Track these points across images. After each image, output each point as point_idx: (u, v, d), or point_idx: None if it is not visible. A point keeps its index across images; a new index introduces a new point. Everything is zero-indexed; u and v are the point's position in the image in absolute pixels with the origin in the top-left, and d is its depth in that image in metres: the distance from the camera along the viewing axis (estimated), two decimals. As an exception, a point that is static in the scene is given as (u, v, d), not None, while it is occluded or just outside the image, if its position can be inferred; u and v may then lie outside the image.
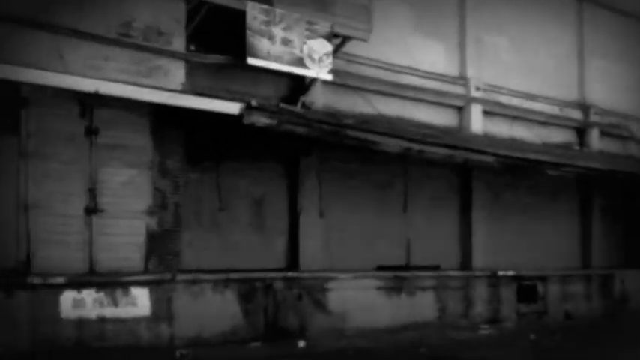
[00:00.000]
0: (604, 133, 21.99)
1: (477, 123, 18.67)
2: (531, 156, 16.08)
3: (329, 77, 14.65)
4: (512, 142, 18.82)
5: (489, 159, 15.19)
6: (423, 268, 16.28)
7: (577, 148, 21.24)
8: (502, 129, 19.48)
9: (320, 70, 14.37)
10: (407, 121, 17.38)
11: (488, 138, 18.31)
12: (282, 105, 13.42)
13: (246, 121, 11.76)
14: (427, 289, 13.67)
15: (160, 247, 12.07)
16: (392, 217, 17.02)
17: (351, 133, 13.02)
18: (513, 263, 18.46)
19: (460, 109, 18.59)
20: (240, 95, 13.83)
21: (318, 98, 15.38)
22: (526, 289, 15.35)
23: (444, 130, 17.90)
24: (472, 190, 18.35)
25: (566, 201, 21.09)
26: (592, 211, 21.21)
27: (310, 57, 14.17)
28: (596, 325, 14.40)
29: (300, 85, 15.09)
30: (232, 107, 11.74)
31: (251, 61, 13.35)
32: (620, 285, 17.02)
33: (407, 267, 16.48)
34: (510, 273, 15.17)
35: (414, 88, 17.46)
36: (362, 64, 16.48)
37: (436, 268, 16.45)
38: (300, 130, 12.44)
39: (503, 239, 18.99)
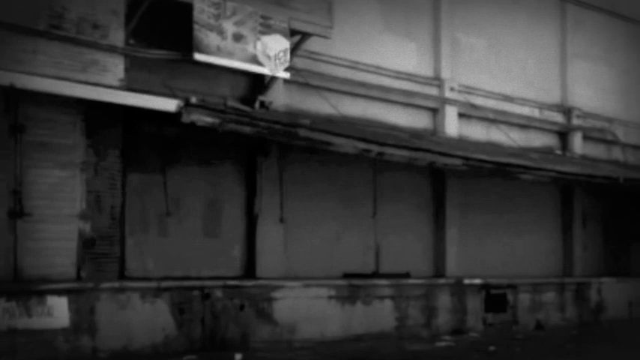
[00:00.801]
0: (587, 137, 21.09)
1: (452, 126, 17.80)
2: (503, 159, 15.19)
3: (286, 76, 13.85)
4: (487, 146, 17.94)
5: (457, 162, 14.33)
6: (392, 275, 15.42)
7: (559, 152, 20.33)
8: (479, 132, 18.60)
9: (276, 68, 13.54)
10: (376, 122, 16.55)
11: (461, 141, 17.43)
12: (230, 103, 12.58)
13: (185, 119, 10.91)
14: (385, 298, 12.78)
15: (96, 253, 11.21)
16: (360, 222, 16.17)
17: (303, 133, 12.16)
18: (490, 271, 17.63)
19: (434, 112, 17.73)
20: (192, 94, 12.99)
21: (278, 98, 14.54)
22: (494, 298, 14.45)
23: (416, 133, 17.04)
24: (446, 195, 17.48)
25: (548, 207, 20.20)
26: (573, 218, 20.29)
27: (265, 54, 13.34)
28: (566, 336, 13.50)
29: (259, 84, 14.28)
30: (169, 105, 10.88)
31: (198, 57, 12.52)
32: (596, 294, 16.10)
33: (375, 274, 15.62)
34: (477, 281, 14.27)
35: (384, 88, 16.62)
36: (327, 62, 15.62)
37: (406, 275, 15.57)
38: (247, 129, 11.60)
39: (479, 246, 18.12)
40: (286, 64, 13.60)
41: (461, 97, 17.91)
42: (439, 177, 17.44)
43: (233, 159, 14.24)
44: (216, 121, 11.18)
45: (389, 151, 13.27)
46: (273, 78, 14.06)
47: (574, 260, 20.11)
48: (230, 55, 12.89)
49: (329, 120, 15.03)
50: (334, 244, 15.59)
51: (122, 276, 12.05)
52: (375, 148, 13.13)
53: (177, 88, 12.79)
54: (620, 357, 11.46)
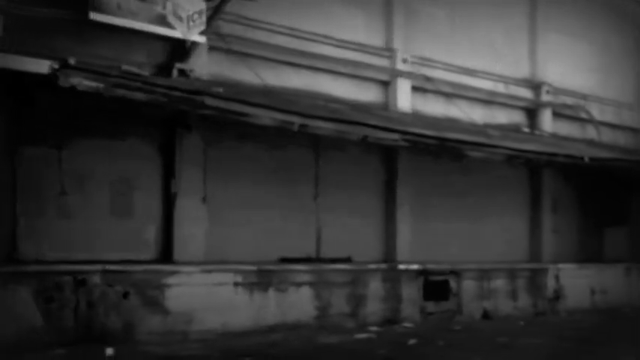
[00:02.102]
0: (559, 115, 19.54)
1: (405, 100, 16.33)
2: (450, 135, 13.72)
3: (202, 40, 12.45)
4: (442, 122, 16.45)
5: (394, 137, 12.88)
6: (336, 260, 14.08)
7: (526, 129, 18.81)
8: (436, 107, 17.11)
9: (190, 32, 12.13)
10: (321, 95, 15.13)
11: (412, 115, 15.96)
12: (125, 67, 11.16)
13: (63, 83, 9.50)
14: (303, 285, 11.37)
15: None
16: (301, 205, 14.76)
17: (210, 102, 10.74)
18: (449, 257, 16.18)
19: (385, 84, 16.26)
20: (102, 60, 11.65)
21: (201, 66, 13.13)
22: (435, 286, 13.03)
23: (364, 107, 15.60)
24: (397, 176, 16.02)
25: (515, 190, 18.70)
26: (541, 201, 18.79)
27: (176, 15, 11.92)
28: (509, 328, 12.09)
29: (180, 50, 12.88)
30: (41, 66, 9.48)
31: (94, 16, 11.13)
32: (553, 281, 14.63)
33: (317, 259, 14.27)
34: (414, 267, 12.84)
35: (329, 59, 15.17)
36: (262, 29, 14.17)
37: (347, 260, 14.21)
38: (139, 95, 10.18)
39: (437, 231, 16.67)
40: (202, 27, 12.21)
41: (415, 70, 16.42)
42: (391, 156, 16.00)
43: (150, 133, 12.86)
44: (101, 85, 9.77)
45: (313, 123, 11.83)
46: (194, 44, 12.68)
47: (542, 246, 18.62)
48: (133, 15, 11.50)
49: (264, 92, 13.61)
50: (270, 227, 14.20)
51: (11, 259, 10.74)
52: (297, 120, 11.69)
53: (88, 54, 11.44)
54: (556, 355, 10.03)
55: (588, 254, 19.44)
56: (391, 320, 12.29)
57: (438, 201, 16.87)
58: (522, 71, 18.89)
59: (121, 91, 9.96)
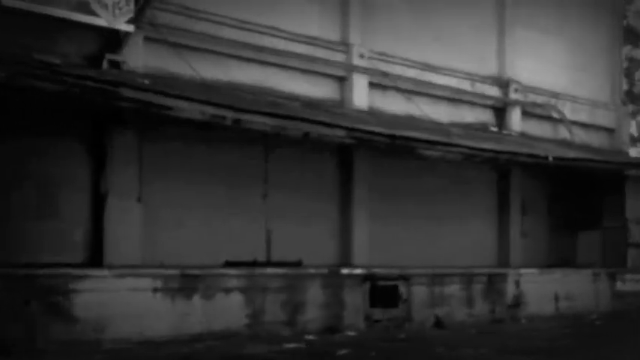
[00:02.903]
0: (529, 114, 18.73)
1: (361, 96, 15.50)
2: (402, 133, 12.90)
3: (130, 29, 11.64)
4: (400, 119, 15.63)
5: (340, 133, 12.08)
6: (285, 264, 13.24)
7: (494, 129, 17.99)
8: (397, 105, 16.28)
9: (116, 20, 11.30)
10: (271, 91, 14.31)
11: (366, 113, 15.13)
12: (37, 56, 10.34)
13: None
14: (233, 291, 10.52)
15: None
16: (248, 205, 13.93)
17: (127, 93, 9.92)
18: (410, 261, 15.37)
19: (341, 80, 15.45)
20: (20, 50, 10.84)
21: (136, 58, 12.33)
22: (383, 291, 12.17)
23: (318, 103, 14.79)
24: (353, 176, 15.19)
25: (482, 192, 17.90)
26: (509, 203, 17.96)
27: (101, 2, 11.10)
28: (462, 337, 11.26)
29: (113, 41, 12.07)
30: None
31: (6, 1, 10.30)
32: (513, 287, 13.78)
33: (265, 263, 13.44)
34: (359, 271, 11.98)
35: (280, 52, 14.35)
36: (206, 20, 13.36)
37: (297, 264, 13.37)
38: (47, 85, 9.35)
39: (397, 234, 15.84)
40: (129, 16, 11.39)
41: (373, 65, 15.60)
42: (347, 156, 15.18)
43: (80, 129, 12.03)
44: (2, 74, 8.93)
45: (248, 117, 11.01)
46: (128, 35, 11.89)
47: (510, 250, 17.81)
48: (54, 2, 10.67)
49: (204, 86, 12.80)
50: (215, 229, 13.37)
51: None
52: (229, 114, 10.87)
53: (9, 42, 10.63)
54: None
55: (560, 259, 18.61)
56: (332, 328, 11.43)
57: (399, 203, 16.05)
58: (490, 68, 18.07)
59: (28, 81, 9.10)
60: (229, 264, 12.79)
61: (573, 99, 19.57)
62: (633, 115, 29.52)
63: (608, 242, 17.88)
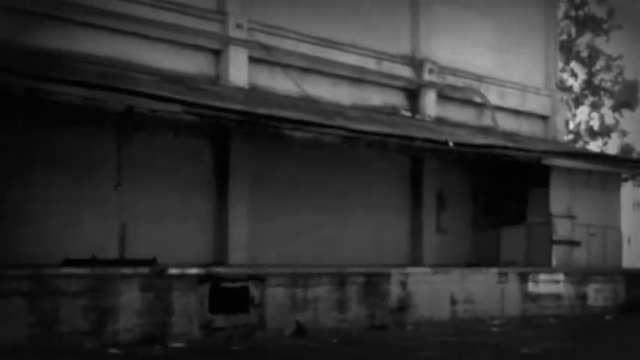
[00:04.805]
0: (449, 98, 16.78)
1: (240, 72, 13.55)
2: (263, 112, 10.91)
3: None
4: (280, 99, 13.64)
5: (174, 108, 10.09)
6: (139, 262, 11.20)
7: (406, 113, 16.01)
8: (287, 84, 14.29)
9: None
10: (131, 64, 12.38)
11: (236, 90, 13.14)
12: None
13: None
14: (12, 296, 8.51)
15: None
16: (99, 195, 11.93)
17: None
18: (299, 258, 13.44)
19: (216, 54, 13.48)
20: None
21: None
22: (230, 295, 10.15)
23: (189, 79, 12.83)
24: (229, 163, 13.23)
25: (393, 182, 15.93)
26: (422, 195, 15.99)
27: None
28: (316, 347, 9.30)
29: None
30: None
31: None
32: (399, 288, 11.78)
33: (117, 261, 11.40)
34: (194, 271, 9.95)
35: (142, 21, 12.41)
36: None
37: (152, 262, 11.33)
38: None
39: (288, 230, 13.91)
40: None
41: (254, 38, 13.63)
42: (222, 141, 13.24)
43: None
44: None
45: (46, 87, 8.99)
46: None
47: (424, 247, 15.87)
48: None
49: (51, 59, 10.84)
50: (55, 223, 11.40)
51: None
52: (22, 82, 8.86)
53: None
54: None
55: (482, 256, 16.65)
56: (156, 338, 9.41)
57: (292, 196, 14.11)
58: (401, 47, 16.12)
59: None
60: (70, 262, 10.76)
61: (500, 83, 17.61)
62: (595, 107, 27.60)
63: (532, 239, 15.89)
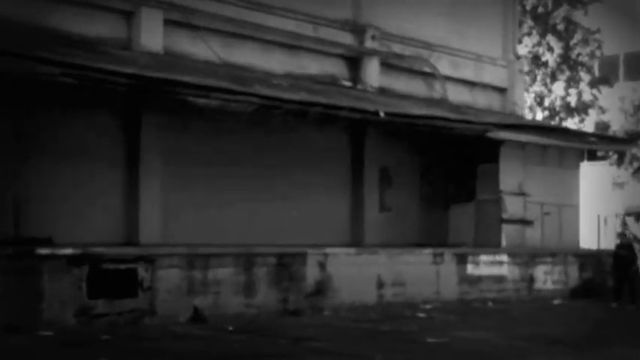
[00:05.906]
0: (395, 67, 15.63)
1: (153, 37, 12.43)
2: (158, 75, 9.75)
3: None
4: (203, 65, 12.50)
5: (54, 70, 8.93)
6: (30, 241, 10.13)
7: (346, 83, 14.87)
8: (208, 51, 13.12)
9: None
10: (40, 28, 11.21)
11: (149, 55, 11.99)
12: None
13: None
14: None
15: None
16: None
17: None
18: (224, 239, 12.33)
19: (128, 15, 12.32)
20: None
21: None
22: (113, 277, 9.08)
23: (92, 42, 11.68)
24: (140, 137, 12.08)
25: (334, 159, 14.78)
26: (364, 172, 14.86)
27: None
28: (215, 336, 8.25)
29: None
30: None
31: None
32: (316, 270, 10.70)
33: (10, 241, 10.31)
34: (68, 251, 8.87)
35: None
36: None
37: (46, 242, 10.25)
38: None
39: (207, 206, 12.77)
40: None
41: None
42: (133, 112, 12.09)
43: None
44: None
45: None
46: None
47: (365, 227, 14.75)
48: None
49: None
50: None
51: None
52: None
53: None
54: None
55: (431, 236, 15.56)
56: (15, 327, 8.30)
57: (215, 172, 12.93)
58: (341, 12, 14.94)
59: None
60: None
61: (453, 52, 16.45)
62: (572, 82, 26.38)
63: (481, 218, 14.82)
